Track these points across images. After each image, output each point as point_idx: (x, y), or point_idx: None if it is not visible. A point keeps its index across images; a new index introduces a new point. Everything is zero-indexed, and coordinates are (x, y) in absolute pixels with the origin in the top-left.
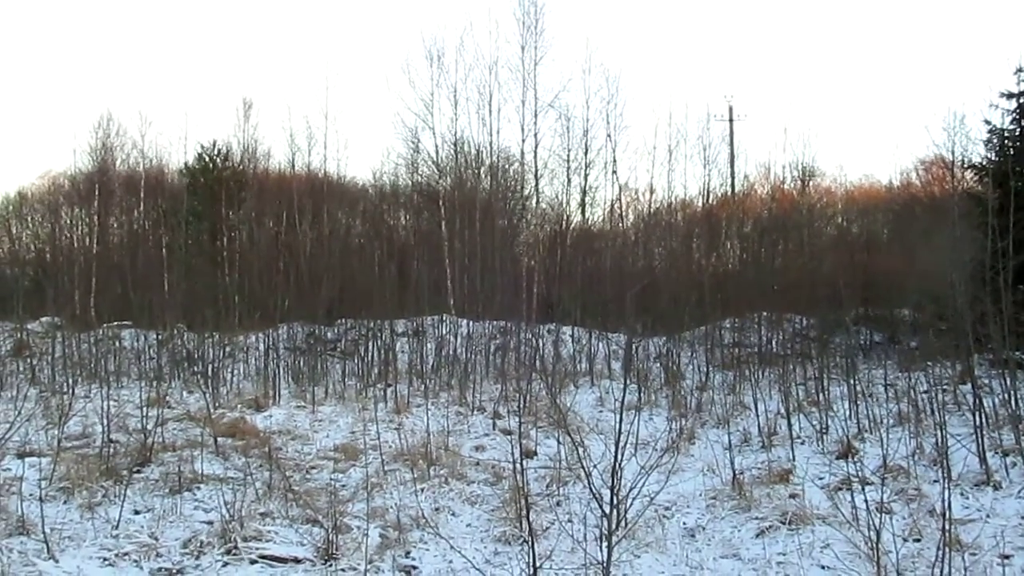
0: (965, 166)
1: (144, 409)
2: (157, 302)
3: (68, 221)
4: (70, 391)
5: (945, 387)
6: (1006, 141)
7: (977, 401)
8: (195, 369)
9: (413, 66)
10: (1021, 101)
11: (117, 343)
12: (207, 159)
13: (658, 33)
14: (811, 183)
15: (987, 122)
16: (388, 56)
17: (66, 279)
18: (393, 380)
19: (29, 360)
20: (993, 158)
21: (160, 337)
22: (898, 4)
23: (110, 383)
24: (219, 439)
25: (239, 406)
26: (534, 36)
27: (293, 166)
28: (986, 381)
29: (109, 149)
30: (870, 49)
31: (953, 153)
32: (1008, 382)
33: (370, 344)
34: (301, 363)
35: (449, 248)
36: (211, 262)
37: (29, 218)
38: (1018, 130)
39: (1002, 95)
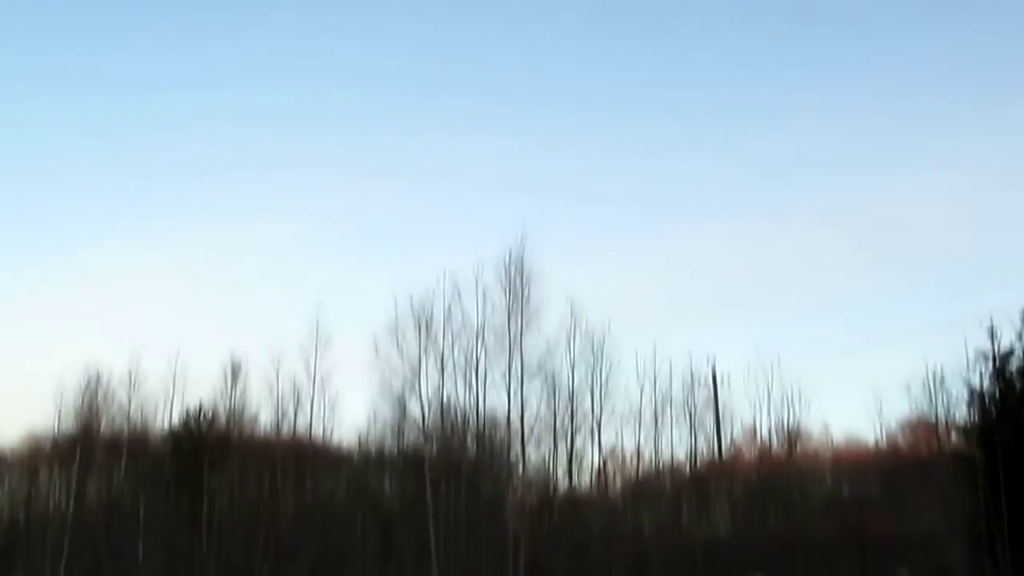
0: (950, 427)
1: None
2: (130, 572)
3: (46, 484)
4: None
5: None
6: (987, 401)
7: None
8: None
9: (401, 331)
10: (997, 362)
11: None
12: (192, 422)
13: (642, 298)
14: (798, 444)
15: (967, 383)
16: (376, 318)
17: (38, 545)
18: None
19: None
20: (976, 418)
21: None
22: (873, 265)
23: None
24: None
25: None
26: (520, 304)
27: (279, 430)
28: None
29: (94, 411)
30: (847, 309)
31: (936, 414)
32: None
33: None
34: None
35: (434, 514)
36: (189, 528)
37: (6, 480)
38: (997, 391)
39: (978, 356)
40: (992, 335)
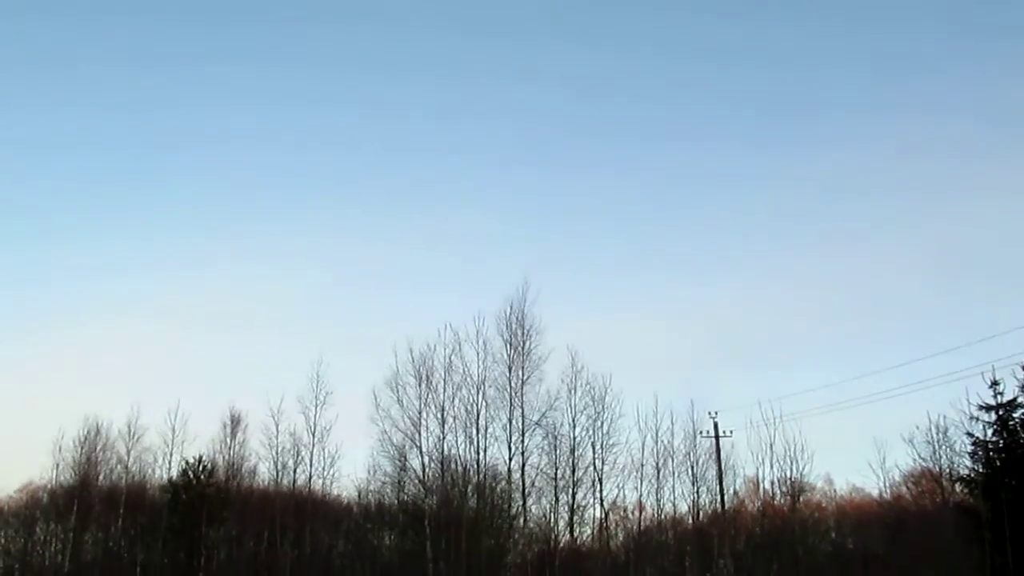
0: (954, 479)
1: None
2: None
3: (42, 537)
4: None
5: None
6: (991, 453)
7: None
8: None
9: (402, 383)
10: (1000, 413)
11: None
12: (191, 475)
13: (643, 351)
14: (801, 498)
15: (970, 434)
16: (377, 371)
17: None
18: None
19: None
20: (980, 470)
21: None
22: (874, 317)
23: None
24: None
25: None
26: (521, 357)
27: (278, 483)
28: None
29: (93, 463)
30: (849, 362)
31: (940, 466)
32: None
33: None
34: None
35: (434, 568)
36: None
37: (2, 532)
38: (1001, 442)
39: (981, 407)
40: (995, 386)
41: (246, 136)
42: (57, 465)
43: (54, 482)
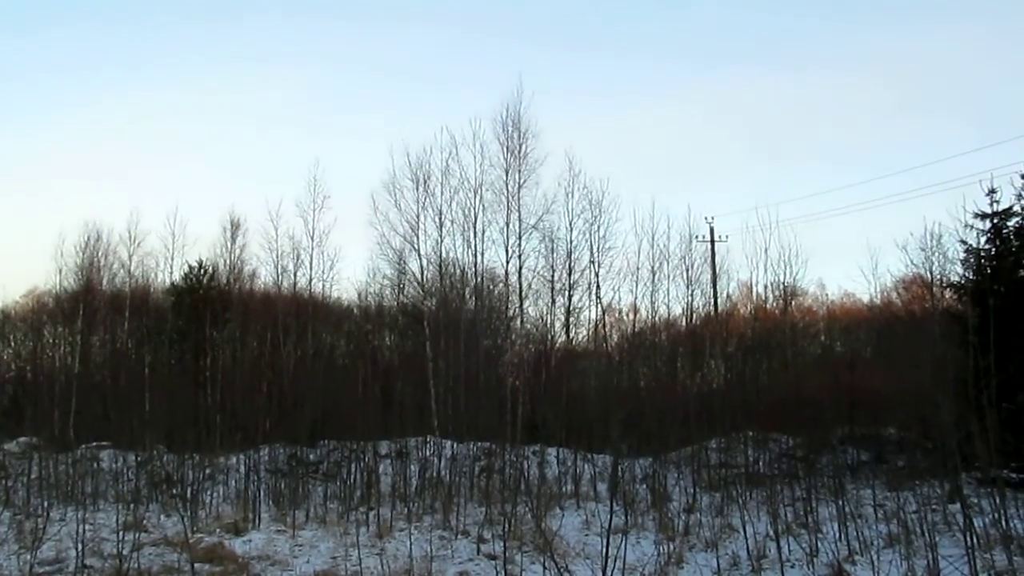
0: (944, 285)
1: (120, 533)
2: (137, 422)
3: (51, 340)
4: (44, 514)
5: (934, 507)
6: (983, 261)
7: (967, 521)
8: (174, 491)
9: (399, 187)
10: (995, 221)
11: (95, 464)
12: (193, 279)
13: (641, 156)
14: (793, 302)
15: (963, 242)
16: (375, 174)
17: (46, 398)
18: (376, 503)
19: (3, 481)
20: (971, 277)
21: (139, 458)
22: (871, 127)
23: (86, 506)
24: (196, 565)
25: (218, 530)
26: (518, 160)
27: (279, 286)
28: (975, 500)
29: (96, 268)
30: (846, 168)
31: (931, 272)
32: (997, 501)
33: (353, 466)
34: (282, 485)
35: (433, 368)
36: (193, 382)
37: (11, 336)
38: (993, 250)
39: (976, 215)
40: (991, 194)
41: None
42: (60, 270)
43: (58, 287)
